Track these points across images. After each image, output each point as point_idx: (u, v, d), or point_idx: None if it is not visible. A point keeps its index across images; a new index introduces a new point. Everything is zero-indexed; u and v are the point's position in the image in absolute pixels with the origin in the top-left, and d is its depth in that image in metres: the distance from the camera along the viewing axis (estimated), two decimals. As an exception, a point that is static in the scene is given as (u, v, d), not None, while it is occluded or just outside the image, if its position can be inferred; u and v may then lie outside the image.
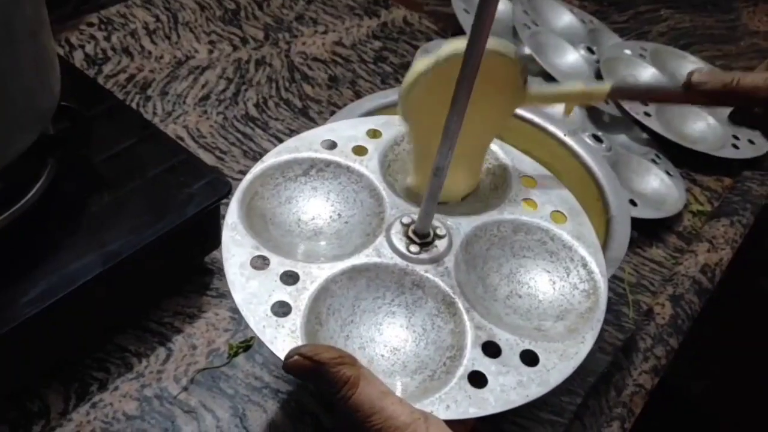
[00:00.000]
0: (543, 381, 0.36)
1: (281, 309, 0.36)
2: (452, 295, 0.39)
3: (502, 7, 0.85)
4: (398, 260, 0.40)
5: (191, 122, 0.69)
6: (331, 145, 0.45)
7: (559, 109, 0.73)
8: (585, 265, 0.42)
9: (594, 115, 0.76)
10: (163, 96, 0.71)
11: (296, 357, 0.33)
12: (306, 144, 0.45)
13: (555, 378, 0.36)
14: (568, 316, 0.40)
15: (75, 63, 0.72)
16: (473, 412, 0.34)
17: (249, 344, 0.53)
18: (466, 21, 0.80)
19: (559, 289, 0.41)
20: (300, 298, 0.37)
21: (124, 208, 0.49)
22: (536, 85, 0.43)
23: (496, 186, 0.46)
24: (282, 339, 0.35)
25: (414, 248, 0.40)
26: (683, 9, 1.05)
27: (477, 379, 0.35)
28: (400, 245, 0.40)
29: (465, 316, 0.38)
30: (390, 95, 0.61)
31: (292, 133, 0.70)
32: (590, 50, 0.83)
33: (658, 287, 0.64)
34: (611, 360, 0.57)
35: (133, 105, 0.69)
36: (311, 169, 0.44)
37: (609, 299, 0.61)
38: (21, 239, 0.46)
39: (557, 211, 0.44)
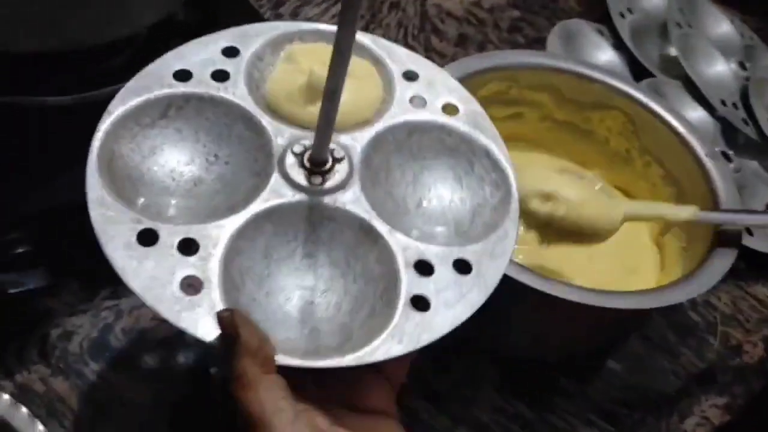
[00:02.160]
0: (482, 285, 0.34)
1: (191, 285, 0.32)
2: (368, 220, 0.35)
3: (657, 1, 0.80)
4: (301, 196, 0.35)
5: (314, 48, 0.69)
6: (185, 75, 0.38)
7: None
8: (488, 155, 0.39)
9: (729, 133, 0.71)
10: (293, 17, 0.71)
11: (228, 315, 0.30)
12: (155, 80, 0.37)
13: (492, 279, 0.35)
14: (483, 211, 0.38)
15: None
16: (426, 338, 0.32)
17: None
18: (614, 5, 0.76)
19: (467, 184, 0.39)
20: (208, 267, 0.32)
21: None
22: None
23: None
24: (204, 320, 0.31)
25: (315, 179, 0.36)
26: None
27: (419, 303, 0.33)
28: (299, 178, 0.35)
29: (388, 239, 0.35)
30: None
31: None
32: (742, 66, 0.77)
33: (754, 326, 0.59)
34: (682, 385, 0.53)
35: (264, 17, 0.70)
36: (169, 108, 0.37)
37: (696, 325, 0.57)
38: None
39: (448, 103, 0.41)
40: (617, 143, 0.57)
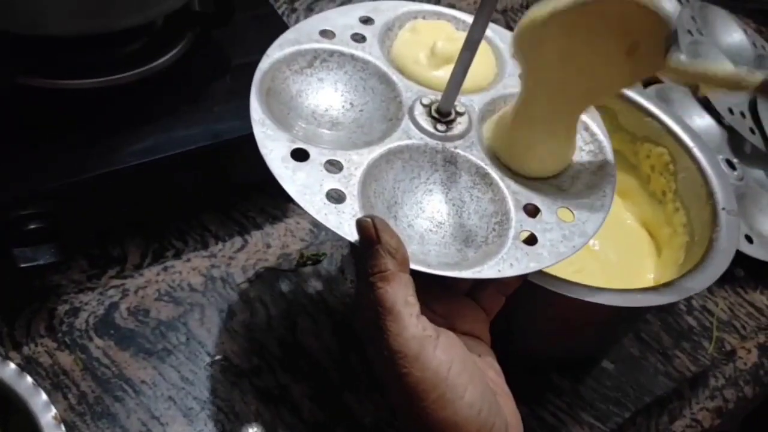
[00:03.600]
0: (582, 232, 0.40)
1: (335, 196, 0.37)
2: (484, 166, 0.41)
3: (670, 6, 0.80)
4: (428, 140, 0.41)
5: (327, 42, 0.70)
6: (329, 34, 0.44)
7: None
8: (587, 128, 0.45)
9: (734, 141, 0.71)
10: (308, 12, 0.72)
11: (369, 221, 0.34)
12: (304, 35, 0.44)
13: (591, 228, 0.40)
14: (582, 175, 0.43)
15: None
16: (533, 266, 0.37)
17: (319, 258, 0.54)
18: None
19: None
20: (350, 184, 0.38)
21: (243, 95, 0.51)
22: (678, 55, 0.38)
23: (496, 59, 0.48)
24: (347, 223, 0.36)
25: (441, 127, 0.41)
26: None
27: (527, 239, 0.39)
28: (427, 125, 0.41)
29: (501, 184, 0.40)
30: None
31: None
32: (752, 75, 0.77)
33: (750, 332, 0.59)
34: (674, 387, 0.54)
35: (278, 12, 0.71)
36: (315, 60, 0.43)
37: (692, 329, 0.58)
38: (144, 97, 0.49)
39: None
40: (656, 183, 0.56)
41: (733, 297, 0.61)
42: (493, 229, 0.39)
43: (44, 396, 0.38)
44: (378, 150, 0.39)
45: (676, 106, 0.68)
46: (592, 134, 0.45)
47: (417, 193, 0.40)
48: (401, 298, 0.32)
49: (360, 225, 0.34)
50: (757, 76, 0.39)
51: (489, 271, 0.37)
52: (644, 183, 0.57)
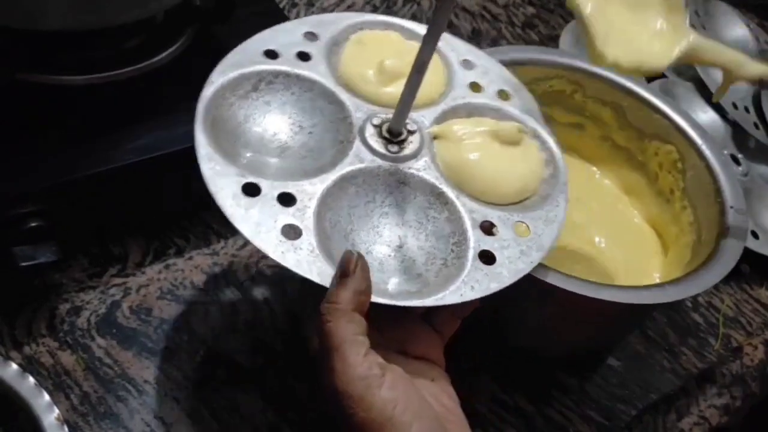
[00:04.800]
0: (539, 246, 0.39)
1: (291, 231, 0.36)
2: (438, 185, 0.40)
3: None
4: (381, 162, 0.40)
5: (328, 38, 0.69)
6: (273, 54, 0.42)
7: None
8: (537, 136, 0.45)
9: (739, 137, 0.71)
10: (308, 6, 0.72)
11: (355, 256, 0.34)
12: (247, 58, 0.42)
13: (547, 240, 0.40)
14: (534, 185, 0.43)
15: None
16: (494, 286, 0.37)
17: (322, 256, 0.53)
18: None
19: None
20: (305, 217, 0.36)
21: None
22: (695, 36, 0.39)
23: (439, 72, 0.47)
24: (306, 260, 0.35)
25: (393, 147, 0.40)
26: None
27: (485, 258, 0.38)
28: (379, 147, 0.40)
29: (457, 203, 0.40)
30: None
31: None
32: (756, 70, 0.76)
33: (756, 329, 0.59)
34: (681, 384, 0.53)
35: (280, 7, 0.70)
36: (260, 83, 0.41)
37: (698, 326, 0.58)
38: (144, 93, 0.48)
39: (502, 90, 0.46)
40: (664, 181, 0.55)
41: (739, 293, 0.61)
42: (452, 251, 0.39)
43: (47, 396, 0.37)
44: (331, 178, 0.38)
45: (680, 102, 0.68)
46: (543, 141, 0.44)
47: (373, 218, 0.39)
48: (349, 335, 0.32)
49: (346, 254, 0.34)
50: (763, 67, 0.39)
51: (451, 296, 0.36)
52: (652, 181, 0.56)
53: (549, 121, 0.58)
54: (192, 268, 0.50)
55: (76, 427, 0.42)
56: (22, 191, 0.42)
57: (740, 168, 0.66)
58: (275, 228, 0.35)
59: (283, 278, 0.51)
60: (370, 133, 0.40)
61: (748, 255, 0.60)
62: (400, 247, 0.39)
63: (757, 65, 0.44)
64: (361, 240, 0.38)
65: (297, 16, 0.70)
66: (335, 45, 0.44)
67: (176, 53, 0.49)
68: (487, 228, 0.39)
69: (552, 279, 0.42)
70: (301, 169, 0.39)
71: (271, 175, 0.38)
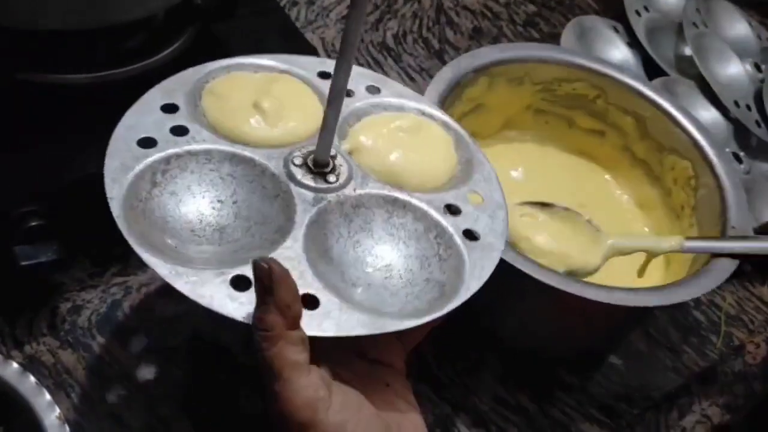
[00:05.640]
0: (497, 204, 0.41)
1: (308, 303, 0.33)
2: (388, 193, 0.39)
3: (674, 0, 0.80)
4: (329, 196, 0.37)
5: (329, 36, 0.69)
6: (149, 142, 0.38)
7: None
8: (427, 115, 0.44)
9: (740, 134, 0.71)
10: (309, 5, 0.72)
11: (266, 268, 0.30)
12: (127, 154, 0.37)
13: (498, 196, 0.41)
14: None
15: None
16: (495, 255, 0.38)
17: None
18: (631, 3, 0.75)
19: None
20: (306, 283, 0.33)
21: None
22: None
23: None
24: (341, 319, 0.33)
25: (332, 178, 0.38)
26: None
27: (468, 235, 0.38)
28: (319, 183, 0.38)
29: (413, 201, 0.39)
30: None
31: (422, 72, 0.70)
32: (758, 67, 0.76)
33: (758, 327, 0.59)
34: (683, 383, 0.53)
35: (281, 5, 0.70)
36: (155, 176, 0.37)
37: (700, 324, 0.58)
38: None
39: (370, 85, 0.45)
40: (677, 197, 0.55)
41: (741, 291, 0.61)
42: (438, 243, 0.38)
43: (48, 395, 0.37)
44: (300, 233, 0.35)
45: (681, 100, 0.68)
46: (435, 119, 0.44)
47: (349, 252, 0.37)
48: (289, 360, 0.30)
49: (256, 269, 0.30)
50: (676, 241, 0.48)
51: (474, 283, 0.36)
52: (665, 196, 0.56)
53: (571, 125, 0.59)
54: (193, 267, 0.50)
55: (77, 426, 0.42)
56: (23, 190, 0.42)
57: (742, 166, 0.66)
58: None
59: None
60: (300, 175, 0.38)
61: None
62: (390, 265, 0.38)
63: (668, 241, 0.49)
64: (352, 277, 0.37)
65: (297, 15, 0.70)
66: (195, 107, 0.41)
67: (177, 52, 0.49)
68: (453, 210, 0.39)
69: (555, 281, 0.42)
70: (260, 239, 0.36)
71: (236, 261, 0.34)
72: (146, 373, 0.45)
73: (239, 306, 0.32)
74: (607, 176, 0.59)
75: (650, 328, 0.56)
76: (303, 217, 0.36)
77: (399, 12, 0.75)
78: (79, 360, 0.45)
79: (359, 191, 0.38)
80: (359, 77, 0.45)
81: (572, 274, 0.46)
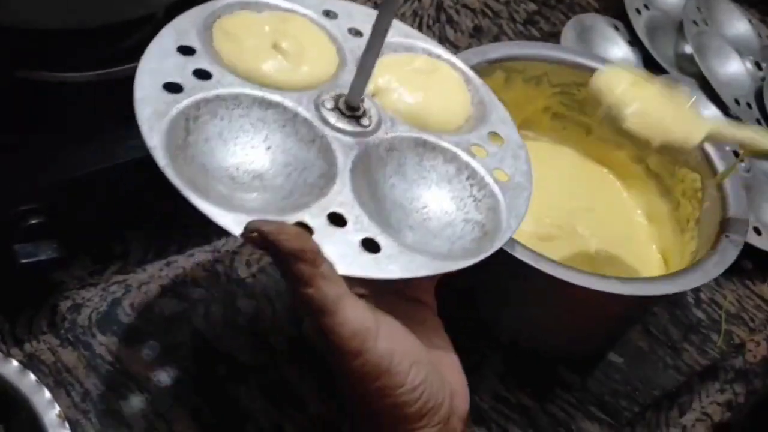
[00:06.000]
0: (517, 143, 0.42)
1: (369, 245, 0.33)
2: (418, 136, 0.39)
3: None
4: (360, 140, 0.37)
5: (329, 35, 0.69)
6: (175, 87, 0.36)
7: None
8: (437, 56, 0.45)
9: (741, 132, 0.71)
10: None
11: (255, 234, 0.30)
12: (158, 102, 0.35)
13: (516, 136, 0.42)
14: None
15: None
16: (527, 194, 0.39)
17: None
18: (631, 1, 0.76)
19: None
20: (363, 227, 0.34)
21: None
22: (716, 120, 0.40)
23: None
24: (401, 261, 0.33)
25: (365, 121, 0.38)
26: None
27: (501, 176, 0.39)
28: (353, 127, 0.37)
29: (442, 143, 0.39)
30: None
31: (422, 70, 0.69)
32: (758, 65, 0.76)
33: (759, 325, 0.59)
34: (683, 381, 0.53)
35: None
36: (188, 122, 0.35)
37: (700, 322, 0.57)
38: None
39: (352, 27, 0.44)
40: (684, 210, 0.54)
41: (742, 289, 0.61)
42: (471, 185, 0.39)
43: (47, 394, 0.37)
44: (346, 177, 0.35)
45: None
46: (445, 59, 0.44)
47: (387, 196, 0.37)
48: (331, 295, 0.30)
49: (248, 241, 0.30)
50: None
51: (514, 221, 0.37)
52: (674, 209, 0.55)
53: (588, 133, 0.58)
54: (193, 265, 0.50)
55: (77, 424, 0.42)
56: (23, 189, 0.42)
57: (743, 164, 0.66)
58: (356, 247, 0.33)
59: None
60: (334, 119, 0.37)
61: (750, 251, 0.60)
62: (426, 207, 0.38)
63: None
64: (397, 220, 0.37)
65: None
66: (210, 48, 0.39)
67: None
68: (479, 151, 0.40)
69: (553, 270, 0.42)
70: (304, 185, 0.35)
71: (295, 207, 0.33)
72: (146, 371, 0.45)
73: None
74: (618, 183, 0.59)
75: (650, 326, 0.56)
76: (345, 162, 0.36)
77: (399, 11, 0.75)
78: (79, 358, 0.45)
79: (390, 134, 0.38)
80: (365, 17, 0.44)
81: (667, 149, 0.45)
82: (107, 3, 0.43)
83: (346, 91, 0.38)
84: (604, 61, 0.59)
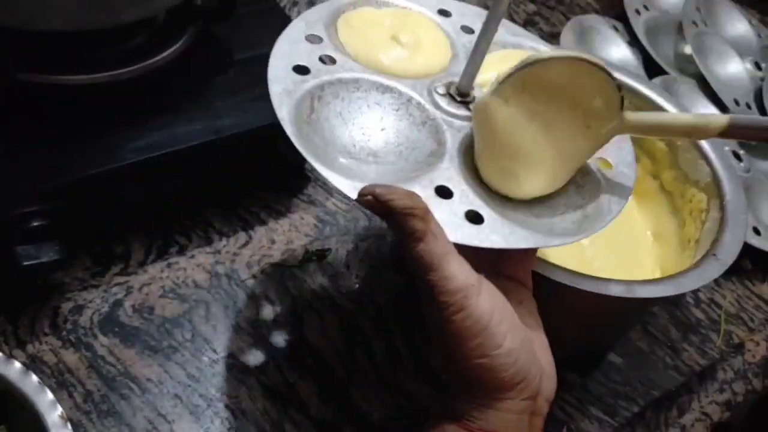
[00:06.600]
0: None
1: (474, 217, 0.36)
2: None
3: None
4: (468, 124, 0.40)
5: (329, 36, 0.69)
6: (304, 70, 0.40)
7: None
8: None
9: (741, 133, 0.71)
10: (309, 5, 0.72)
11: (369, 197, 0.33)
12: (287, 81, 0.39)
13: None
14: None
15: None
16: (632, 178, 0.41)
17: (324, 254, 0.53)
18: (630, 2, 0.76)
19: None
20: (469, 200, 0.37)
21: (245, 90, 0.50)
22: (634, 112, 0.39)
23: None
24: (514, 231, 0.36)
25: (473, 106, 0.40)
26: None
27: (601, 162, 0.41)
28: (462, 111, 0.40)
29: None
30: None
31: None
32: (757, 66, 0.76)
33: (758, 325, 0.59)
34: (683, 381, 0.53)
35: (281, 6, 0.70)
36: (313, 101, 0.39)
37: (699, 322, 0.58)
38: (145, 93, 0.48)
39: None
40: (689, 230, 0.54)
41: (741, 289, 0.61)
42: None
43: (50, 395, 0.37)
44: (455, 159, 0.38)
45: (681, 99, 0.68)
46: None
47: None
48: (439, 251, 0.32)
49: (363, 203, 0.33)
50: (720, 120, 0.38)
51: (615, 207, 0.39)
52: (680, 228, 0.55)
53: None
54: (194, 266, 0.51)
55: (79, 425, 0.42)
56: (24, 191, 0.42)
57: (742, 164, 0.66)
58: (461, 217, 0.35)
59: (284, 276, 0.52)
60: (445, 104, 0.40)
61: (749, 251, 0.60)
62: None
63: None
64: (499, 199, 0.39)
65: (298, 15, 0.70)
66: (335, 38, 0.43)
67: (177, 53, 0.49)
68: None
69: (554, 275, 0.42)
70: (414, 162, 0.38)
71: (409, 179, 0.37)
72: (148, 372, 0.45)
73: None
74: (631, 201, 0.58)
75: (650, 326, 0.56)
76: (453, 142, 0.39)
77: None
78: (81, 359, 0.45)
79: None
80: (476, 16, 0.48)
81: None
82: (108, 6, 0.44)
83: (457, 81, 0.41)
84: (633, 78, 0.57)
